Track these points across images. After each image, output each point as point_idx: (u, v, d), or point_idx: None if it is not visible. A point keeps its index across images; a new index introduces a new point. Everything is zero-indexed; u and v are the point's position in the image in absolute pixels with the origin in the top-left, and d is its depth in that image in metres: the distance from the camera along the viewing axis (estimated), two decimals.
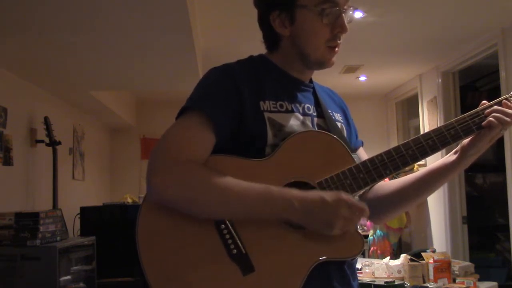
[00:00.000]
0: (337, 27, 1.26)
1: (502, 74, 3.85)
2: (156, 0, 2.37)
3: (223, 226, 1.15)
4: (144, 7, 2.46)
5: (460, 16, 3.61)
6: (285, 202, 1.14)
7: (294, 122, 1.26)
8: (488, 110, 1.25)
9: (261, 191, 1.14)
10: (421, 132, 5.35)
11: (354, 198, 1.17)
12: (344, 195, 1.14)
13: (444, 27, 3.82)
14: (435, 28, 3.84)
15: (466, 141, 1.28)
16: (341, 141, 1.24)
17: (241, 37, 3.92)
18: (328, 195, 1.13)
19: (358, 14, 3.39)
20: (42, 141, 3.82)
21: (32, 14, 2.51)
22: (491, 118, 1.23)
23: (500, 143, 3.47)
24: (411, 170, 3.72)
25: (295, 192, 1.15)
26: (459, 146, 1.30)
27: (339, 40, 1.29)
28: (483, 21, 3.73)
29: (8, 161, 3.40)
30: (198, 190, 1.14)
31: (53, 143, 3.82)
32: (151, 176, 1.14)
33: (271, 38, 1.33)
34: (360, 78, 5.37)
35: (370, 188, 1.39)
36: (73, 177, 4.78)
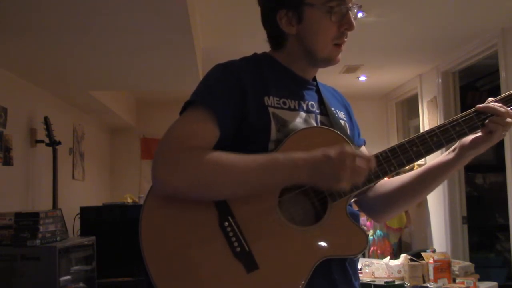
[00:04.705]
0: (345, 24, 1.27)
1: (502, 74, 3.85)
2: (156, 0, 2.37)
3: (226, 223, 1.15)
4: (144, 7, 2.46)
5: (460, 16, 3.60)
6: (291, 166, 1.14)
7: (297, 119, 1.26)
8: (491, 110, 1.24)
9: (267, 163, 1.15)
10: None
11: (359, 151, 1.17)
12: (348, 148, 1.14)
13: (444, 27, 3.82)
14: (435, 28, 3.84)
15: (466, 140, 1.28)
16: (345, 138, 1.25)
17: (241, 37, 3.92)
18: (331, 150, 1.13)
19: (358, 14, 3.38)
20: (42, 141, 3.82)
21: (32, 15, 2.51)
22: (490, 124, 1.23)
23: (500, 143, 3.47)
24: (411, 168, 3.72)
25: (299, 154, 1.15)
26: (457, 144, 1.30)
27: (346, 38, 1.30)
28: (483, 21, 3.73)
29: (8, 161, 3.40)
30: (205, 172, 1.14)
31: (53, 143, 3.82)
32: (156, 170, 1.14)
33: (276, 37, 1.33)
34: (360, 78, 5.37)
35: (374, 185, 1.39)
36: (73, 177, 4.78)
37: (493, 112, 1.23)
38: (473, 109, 1.26)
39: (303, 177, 1.15)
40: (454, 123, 1.25)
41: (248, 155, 1.16)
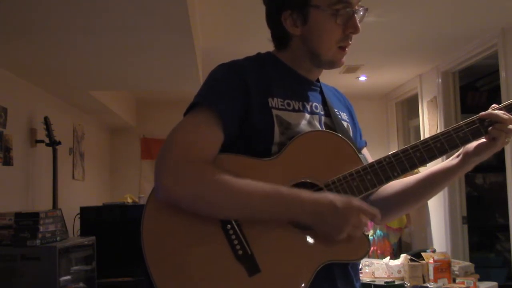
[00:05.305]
0: (350, 27, 1.26)
1: (502, 74, 3.85)
2: (156, 0, 2.37)
3: (229, 226, 1.14)
4: (144, 7, 2.46)
5: (460, 16, 3.60)
6: (296, 205, 1.14)
7: (301, 121, 1.25)
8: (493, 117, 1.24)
9: (272, 193, 1.14)
10: (421, 132, 5.31)
11: (365, 203, 1.17)
12: (355, 202, 1.14)
13: (444, 27, 3.82)
14: (435, 28, 3.84)
15: (470, 147, 1.27)
16: (349, 142, 1.24)
17: (241, 37, 3.92)
18: (339, 201, 1.13)
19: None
20: (42, 141, 3.82)
21: (32, 15, 2.51)
22: (493, 130, 1.23)
23: None
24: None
25: (305, 194, 1.15)
26: (461, 150, 1.29)
27: (350, 41, 1.29)
28: (483, 21, 3.73)
29: (8, 161, 3.40)
30: (209, 191, 1.14)
31: (53, 143, 3.82)
32: (161, 175, 1.13)
33: (280, 37, 1.32)
34: (360, 78, 5.37)
35: (376, 190, 1.38)
36: (73, 177, 4.78)
37: (496, 119, 1.23)
38: (477, 116, 1.26)
39: (306, 220, 1.15)
40: (458, 129, 1.24)
41: (255, 183, 1.15)
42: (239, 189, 1.14)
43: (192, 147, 1.16)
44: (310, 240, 1.16)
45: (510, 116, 1.24)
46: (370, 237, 5.24)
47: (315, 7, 1.25)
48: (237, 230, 1.14)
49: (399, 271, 3.95)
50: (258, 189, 1.14)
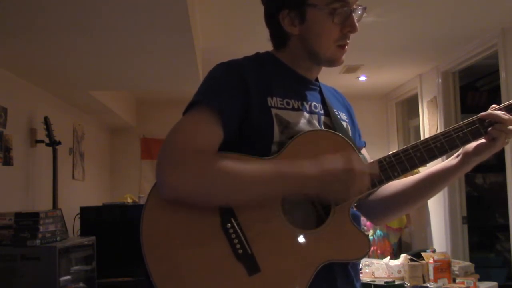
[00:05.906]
0: (347, 26, 1.26)
1: (502, 74, 3.85)
2: (156, 0, 2.37)
3: (229, 225, 1.14)
4: (144, 7, 2.46)
5: (460, 16, 3.60)
6: (300, 181, 1.15)
7: (300, 120, 1.25)
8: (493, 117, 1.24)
9: (277, 172, 1.15)
10: (421, 132, 5.30)
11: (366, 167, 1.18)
12: (356, 163, 1.15)
13: (444, 27, 3.82)
14: (435, 28, 3.84)
15: (470, 147, 1.28)
16: (349, 141, 1.24)
17: (241, 37, 3.92)
18: (339, 163, 1.14)
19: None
20: (42, 141, 3.82)
21: (32, 15, 2.51)
22: (493, 131, 1.23)
23: None
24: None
25: (306, 168, 1.15)
26: (461, 150, 1.30)
27: (348, 39, 1.29)
28: (483, 21, 3.73)
29: (8, 161, 3.40)
30: (211, 180, 1.13)
31: (53, 143, 3.82)
32: (162, 173, 1.13)
33: (279, 37, 1.33)
34: (360, 78, 5.37)
35: (377, 189, 1.38)
36: (73, 177, 4.78)
37: (496, 120, 1.23)
38: (477, 116, 1.26)
39: (310, 191, 1.16)
40: (458, 130, 1.24)
41: (255, 163, 1.15)
42: (241, 175, 1.14)
43: (190, 143, 1.16)
44: (310, 239, 1.16)
45: (510, 116, 1.24)
46: (370, 237, 5.24)
47: (312, 6, 1.25)
48: (237, 229, 1.14)
49: (399, 271, 3.96)
50: (261, 172, 1.15)
